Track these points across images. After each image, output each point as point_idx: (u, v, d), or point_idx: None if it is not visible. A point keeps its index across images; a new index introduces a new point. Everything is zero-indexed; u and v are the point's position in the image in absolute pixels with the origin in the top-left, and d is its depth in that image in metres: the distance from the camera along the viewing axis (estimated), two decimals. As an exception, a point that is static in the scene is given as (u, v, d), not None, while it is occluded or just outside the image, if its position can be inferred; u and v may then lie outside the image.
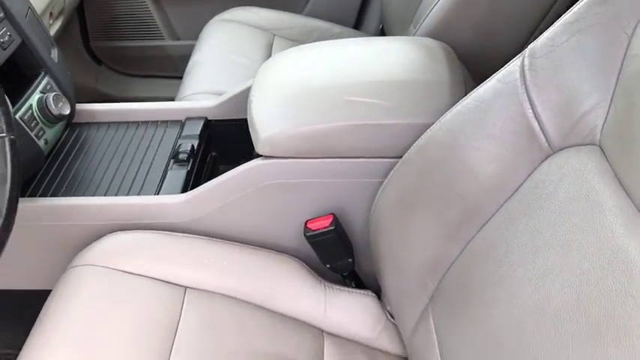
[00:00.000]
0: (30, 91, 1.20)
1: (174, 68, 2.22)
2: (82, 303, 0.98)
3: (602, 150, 0.75)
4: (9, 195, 0.75)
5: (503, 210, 0.84)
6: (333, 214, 1.07)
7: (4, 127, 0.77)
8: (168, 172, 1.21)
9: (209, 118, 1.36)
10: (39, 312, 1.03)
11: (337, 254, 1.10)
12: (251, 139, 1.14)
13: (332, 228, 1.05)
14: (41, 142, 1.17)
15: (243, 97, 1.31)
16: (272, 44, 1.82)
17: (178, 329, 0.98)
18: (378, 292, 1.14)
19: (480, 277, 0.84)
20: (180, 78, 1.77)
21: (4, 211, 0.75)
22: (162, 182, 1.18)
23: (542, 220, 0.76)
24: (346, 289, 1.13)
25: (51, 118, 1.19)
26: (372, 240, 1.06)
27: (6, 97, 0.82)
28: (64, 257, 1.14)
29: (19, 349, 0.98)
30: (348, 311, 1.10)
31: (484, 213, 0.86)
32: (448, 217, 0.91)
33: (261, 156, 1.08)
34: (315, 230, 1.06)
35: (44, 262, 1.19)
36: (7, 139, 0.76)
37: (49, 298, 1.03)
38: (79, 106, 1.38)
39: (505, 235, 0.82)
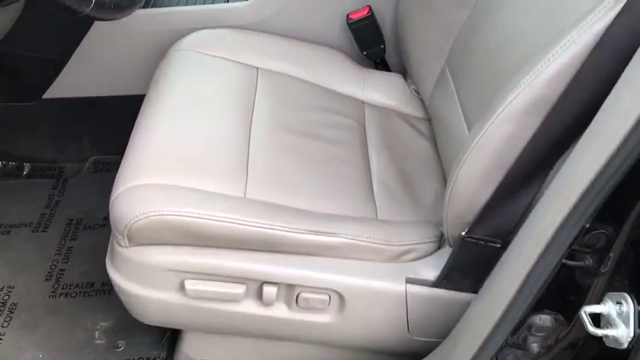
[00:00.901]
0: None
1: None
2: (182, 73, 1.30)
3: None
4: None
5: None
6: (369, 6, 1.37)
7: None
8: (232, -8, 1.51)
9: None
10: (132, 119, 1.27)
11: (372, 40, 1.42)
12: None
13: (369, 15, 1.36)
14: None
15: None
16: None
17: (257, 90, 1.30)
18: (403, 75, 1.46)
19: (482, 24, 1.14)
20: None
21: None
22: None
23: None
24: (379, 72, 1.45)
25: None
26: (400, 25, 1.37)
27: None
28: (153, 64, 1.44)
29: (118, 154, 1.19)
30: (381, 88, 1.42)
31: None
32: (459, -11, 1.21)
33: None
34: (355, 18, 1.37)
35: (140, 67, 1.49)
36: None
37: (155, 76, 1.33)
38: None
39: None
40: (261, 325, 1.08)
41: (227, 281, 1.02)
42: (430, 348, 1.06)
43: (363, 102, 1.40)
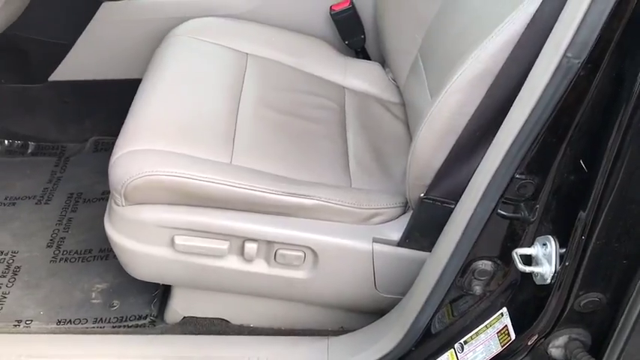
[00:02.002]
0: None
1: None
2: (178, 56, 1.42)
3: None
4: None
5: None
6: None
7: None
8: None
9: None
10: (130, 101, 1.37)
11: (354, 30, 1.54)
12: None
13: (350, 7, 1.50)
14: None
15: None
16: None
17: (246, 73, 1.42)
18: (382, 64, 1.58)
19: (449, 12, 1.26)
20: None
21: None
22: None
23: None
24: (359, 60, 1.58)
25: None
26: (378, 17, 1.49)
27: None
28: (152, 49, 1.56)
29: (117, 135, 1.30)
30: (361, 75, 1.54)
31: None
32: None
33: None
34: (338, 9, 1.49)
35: (139, 53, 1.60)
36: None
37: (152, 59, 1.45)
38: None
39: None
40: (243, 281, 1.20)
41: (213, 237, 1.14)
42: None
43: (344, 87, 1.52)
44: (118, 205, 1.15)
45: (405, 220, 1.16)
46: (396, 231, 1.15)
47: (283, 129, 1.31)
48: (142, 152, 1.14)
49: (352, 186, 1.23)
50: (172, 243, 1.14)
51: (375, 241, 1.14)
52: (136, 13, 1.57)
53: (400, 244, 1.14)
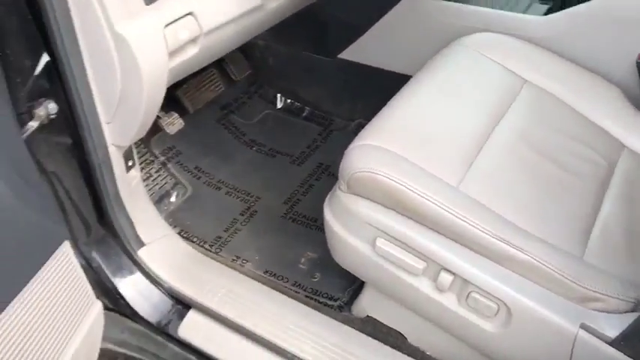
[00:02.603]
0: None
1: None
2: (453, 65, 1.39)
3: None
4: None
5: None
6: (666, 49, 1.28)
7: None
8: (532, 4, 1.53)
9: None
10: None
11: (659, 86, 1.32)
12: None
13: (664, 58, 1.27)
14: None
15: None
16: None
17: (515, 100, 1.33)
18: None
19: None
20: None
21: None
22: (529, 8, 1.51)
23: None
24: (658, 121, 1.35)
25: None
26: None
27: None
28: (436, 52, 1.55)
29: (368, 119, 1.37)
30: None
31: None
32: None
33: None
34: (647, 59, 1.29)
35: (422, 52, 1.60)
36: None
37: (430, 61, 1.45)
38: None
39: None
40: (428, 307, 1.14)
41: (412, 253, 1.11)
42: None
43: (623, 145, 1.32)
44: (340, 190, 1.19)
45: (629, 319, 0.97)
46: (612, 327, 0.97)
47: (530, 170, 1.19)
48: (376, 149, 1.15)
49: (584, 257, 1.07)
50: (374, 243, 1.14)
51: (584, 327, 0.98)
52: (433, 13, 1.57)
53: (613, 343, 0.96)
